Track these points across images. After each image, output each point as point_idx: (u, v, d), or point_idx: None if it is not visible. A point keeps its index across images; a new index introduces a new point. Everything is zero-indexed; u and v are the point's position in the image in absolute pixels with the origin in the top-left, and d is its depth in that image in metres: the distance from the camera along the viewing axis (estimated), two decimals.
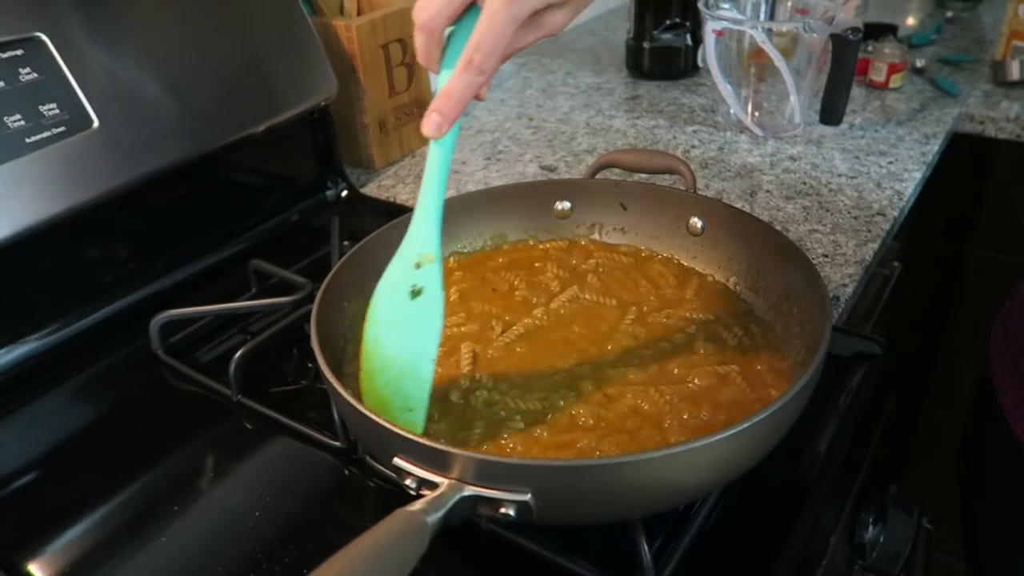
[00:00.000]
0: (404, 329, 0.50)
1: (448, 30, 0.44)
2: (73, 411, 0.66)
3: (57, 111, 0.66)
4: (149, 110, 0.73)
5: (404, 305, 0.49)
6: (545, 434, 0.51)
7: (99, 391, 0.68)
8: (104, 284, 0.74)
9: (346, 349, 0.61)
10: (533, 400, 0.54)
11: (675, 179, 0.84)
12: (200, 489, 0.57)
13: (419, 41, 0.43)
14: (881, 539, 0.58)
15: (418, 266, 0.49)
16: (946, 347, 1.38)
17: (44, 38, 0.67)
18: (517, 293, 0.66)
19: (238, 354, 0.64)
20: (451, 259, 0.71)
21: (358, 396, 0.55)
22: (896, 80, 1.20)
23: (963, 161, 1.18)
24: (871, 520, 0.58)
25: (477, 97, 0.45)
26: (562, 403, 0.53)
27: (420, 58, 0.44)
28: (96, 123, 0.68)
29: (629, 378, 0.56)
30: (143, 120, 0.72)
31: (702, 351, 0.58)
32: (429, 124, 0.44)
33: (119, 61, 0.71)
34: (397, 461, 0.44)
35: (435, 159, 0.46)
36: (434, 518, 0.39)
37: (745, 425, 0.42)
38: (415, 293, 0.49)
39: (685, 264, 0.69)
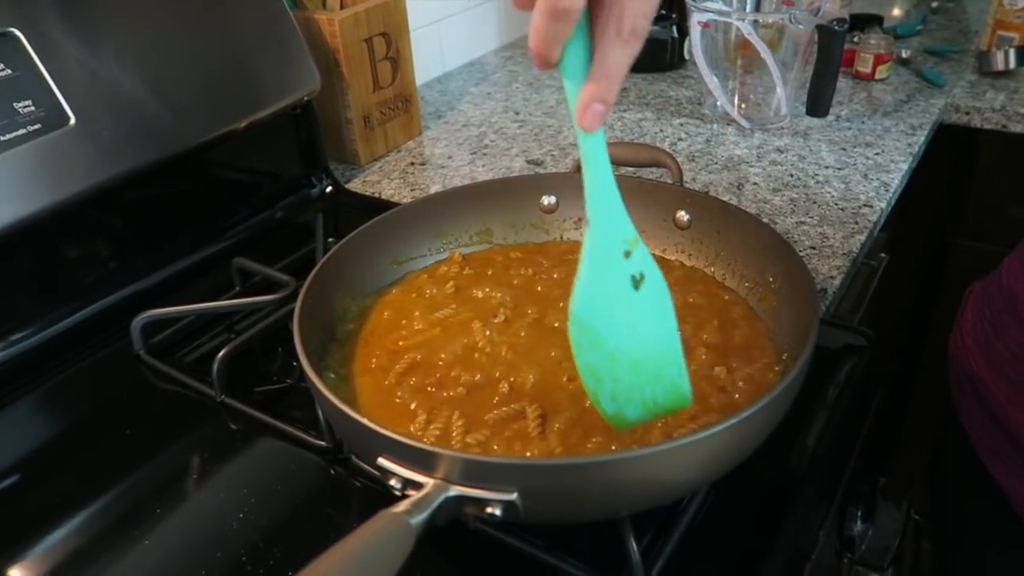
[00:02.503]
0: (640, 323, 0.45)
1: None
2: (54, 413, 0.66)
3: (32, 108, 0.65)
4: (128, 107, 0.71)
5: (631, 302, 0.44)
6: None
7: (80, 392, 0.67)
8: (85, 284, 0.73)
9: (330, 348, 0.60)
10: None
11: (662, 172, 0.84)
12: (183, 491, 0.57)
13: (550, 32, 0.36)
14: (870, 532, 0.58)
15: (628, 255, 0.44)
16: (932, 338, 1.38)
17: (18, 34, 0.65)
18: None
19: (221, 353, 0.63)
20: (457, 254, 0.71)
21: (341, 395, 0.55)
22: (882, 71, 1.20)
23: (949, 152, 1.18)
24: (859, 514, 0.58)
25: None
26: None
27: (540, 48, 0.37)
28: (73, 120, 0.67)
29: None
30: (121, 117, 0.71)
31: (688, 344, 0.58)
32: (592, 115, 0.38)
33: (96, 57, 0.70)
34: (381, 461, 0.43)
35: (593, 147, 0.42)
36: (419, 519, 0.39)
37: (733, 421, 0.42)
38: (638, 282, 0.44)
39: (670, 258, 0.69)
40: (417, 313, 0.63)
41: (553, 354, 0.57)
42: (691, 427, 0.50)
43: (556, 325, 0.61)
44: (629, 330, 0.45)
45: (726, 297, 0.64)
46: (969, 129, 1.16)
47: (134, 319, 0.68)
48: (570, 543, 0.50)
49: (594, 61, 0.38)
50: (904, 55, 1.26)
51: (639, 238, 0.44)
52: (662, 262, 0.68)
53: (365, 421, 0.43)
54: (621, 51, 0.37)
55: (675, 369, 0.46)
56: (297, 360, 0.50)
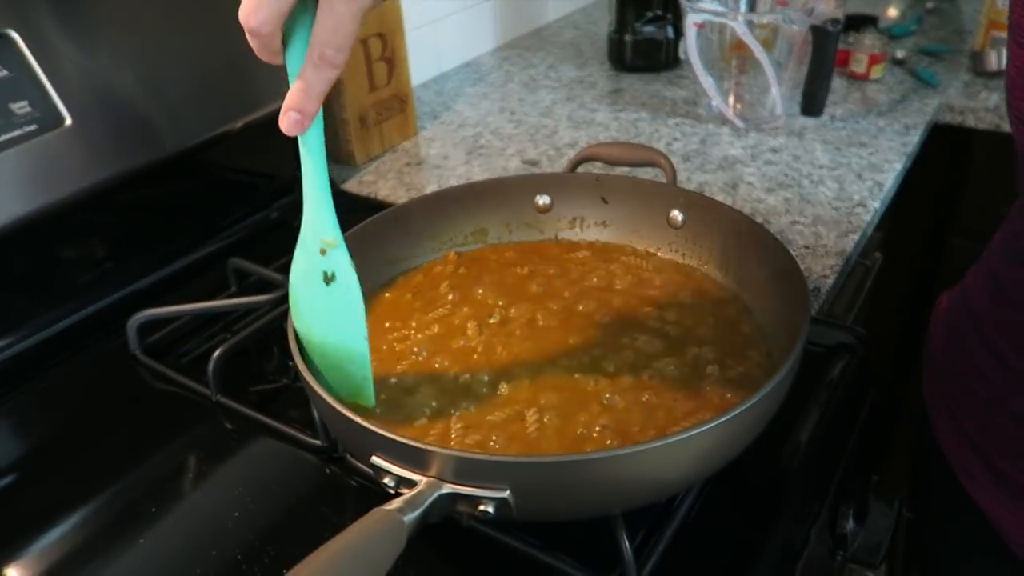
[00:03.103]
0: (329, 315, 0.50)
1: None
2: (49, 413, 0.66)
3: (28, 109, 0.65)
4: (124, 107, 0.72)
5: (321, 293, 0.50)
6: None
7: (76, 392, 0.67)
8: (80, 284, 0.73)
9: None
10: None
11: (656, 172, 0.85)
12: (179, 490, 0.57)
13: (253, 44, 0.41)
14: (862, 530, 0.58)
15: (323, 252, 0.49)
16: (925, 338, 1.39)
17: (14, 35, 0.65)
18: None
19: (216, 353, 0.63)
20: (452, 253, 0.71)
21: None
22: (876, 71, 1.20)
23: (943, 151, 1.19)
24: (851, 512, 0.59)
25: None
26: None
27: (260, 56, 0.42)
28: (69, 121, 0.67)
29: (601, 370, 0.56)
30: (117, 117, 0.71)
31: (681, 343, 0.58)
32: (289, 122, 0.42)
33: (92, 58, 0.70)
34: (375, 460, 0.43)
35: (307, 151, 0.46)
36: (411, 517, 0.39)
37: (724, 418, 0.42)
38: (328, 279, 0.50)
39: (664, 256, 0.69)
40: (412, 313, 0.63)
41: (549, 354, 0.58)
42: (684, 424, 0.50)
43: (552, 325, 0.61)
44: (317, 316, 0.51)
45: (719, 296, 0.64)
46: (963, 129, 1.17)
47: (130, 319, 0.68)
48: (563, 541, 0.50)
49: (296, 77, 0.42)
50: (898, 55, 1.27)
51: (339, 239, 0.49)
52: (656, 260, 0.68)
53: (358, 419, 0.43)
54: (313, 73, 0.41)
55: (358, 370, 0.51)
56: (292, 360, 0.50)
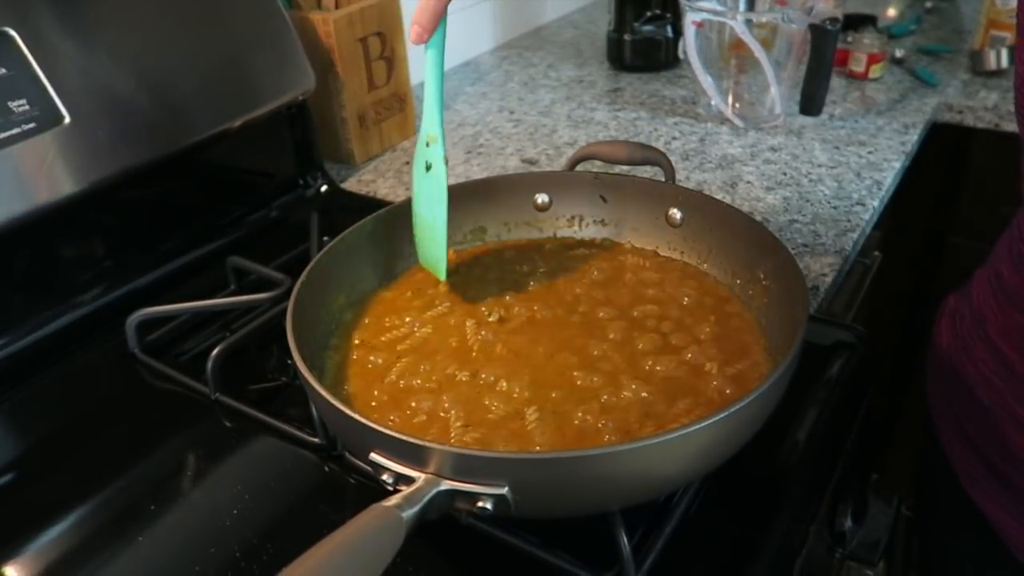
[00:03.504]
0: (425, 196, 0.61)
1: None
2: (49, 411, 0.66)
3: (27, 107, 0.65)
4: (122, 105, 0.72)
5: (422, 177, 0.61)
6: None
7: (75, 390, 0.67)
8: (80, 282, 0.73)
9: (324, 345, 0.60)
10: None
11: (655, 171, 0.85)
12: (178, 488, 0.57)
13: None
14: (861, 528, 0.58)
15: (428, 144, 0.60)
16: (925, 336, 1.39)
17: (12, 33, 0.66)
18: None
19: (215, 351, 0.63)
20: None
21: (335, 393, 0.55)
22: (876, 70, 1.20)
23: (942, 150, 1.19)
24: (851, 509, 0.59)
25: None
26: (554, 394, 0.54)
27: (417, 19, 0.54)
28: (67, 119, 0.67)
29: (600, 368, 0.56)
30: (116, 115, 0.71)
31: (679, 341, 0.58)
32: (413, 32, 0.54)
33: (91, 56, 0.70)
34: (373, 456, 0.43)
35: (429, 61, 0.56)
36: (409, 513, 0.39)
37: (722, 415, 0.42)
38: (428, 167, 0.60)
39: (663, 254, 0.69)
40: (411, 311, 0.64)
41: (548, 351, 0.58)
42: (682, 421, 0.50)
43: (550, 323, 0.61)
44: (419, 195, 0.62)
45: (718, 294, 0.64)
46: (962, 128, 1.17)
47: (129, 317, 0.69)
48: (562, 538, 0.50)
49: None
50: (898, 54, 1.27)
51: (439, 138, 0.59)
52: (655, 259, 0.68)
53: (357, 416, 0.44)
54: None
55: (436, 246, 0.62)
56: (291, 358, 0.50)
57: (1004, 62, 1.18)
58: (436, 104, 0.58)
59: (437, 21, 0.53)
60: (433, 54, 0.56)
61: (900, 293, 1.35)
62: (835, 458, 0.60)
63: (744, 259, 0.63)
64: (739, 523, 0.53)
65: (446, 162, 0.59)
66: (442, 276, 0.64)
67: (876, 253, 1.05)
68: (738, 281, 0.64)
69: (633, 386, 0.54)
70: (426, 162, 0.60)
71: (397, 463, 0.43)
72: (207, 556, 0.51)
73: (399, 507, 0.39)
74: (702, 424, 0.42)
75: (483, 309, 0.63)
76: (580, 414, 0.52)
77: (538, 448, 0.49)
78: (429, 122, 0.59)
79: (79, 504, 0.56)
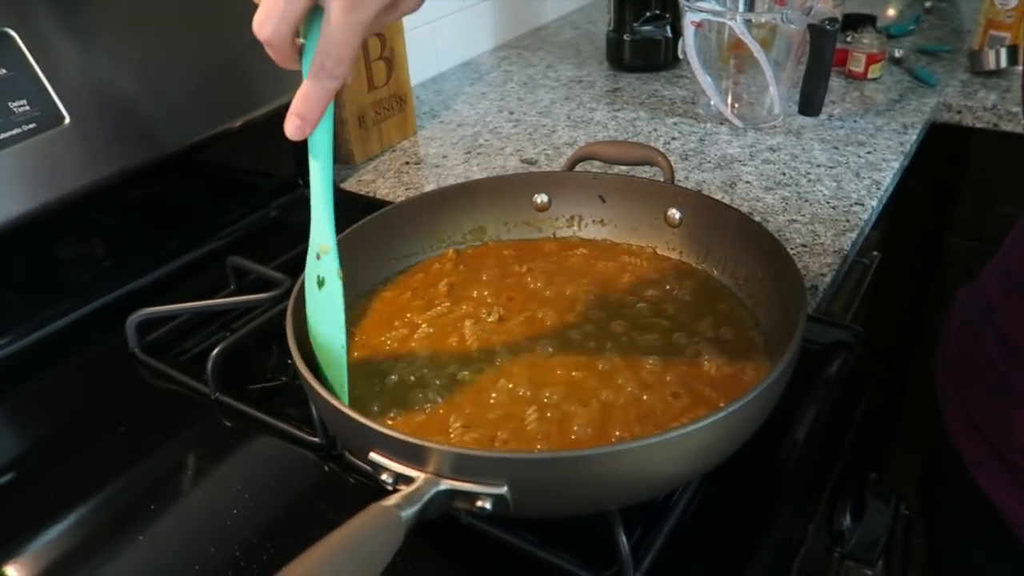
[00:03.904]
0: (321, 316, 0.53)
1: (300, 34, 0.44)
2: (48, 411, 0.66)
3: (27, 107, 0.65)
4: (122, 106, 0.72)
5: (316, 294, 0.53)
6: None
7: (75, 390, 0.67)
8: (80, 282, 0.73)
9: None
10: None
11: (654, 171, 0.85)
12: (178, 488, 0.57)
13: (271, 54, 0.43)
14: (860, 527, 0.58)
15: (318, 257, 0.51)
16: (924, 336, 1.39)
17: (12, 33, 0.66)
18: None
19: (215, 351, 0.63)
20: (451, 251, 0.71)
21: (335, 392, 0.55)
22: (875, 70, 1.20)
23: (941, 150, 1.19)
24: (849, 508, 0.59)
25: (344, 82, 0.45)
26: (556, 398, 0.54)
27: (278, 63, 0.44)
28: (68, 119, 0.67)
29: (599, 368, 0.56)
30: (116, 116, 0.71)
31: (678, 341, 0.58)
32: (291, 126, 0.44)
33: (91, 56, 0.70)
34: (373, 456, 0.44)
35: (312, 156, 0.48)
36: (408, 513, 0.39)
37: (721, 415, 0.42)
38: (320, 283, 0.52)
39: (662, 254, 0.69)
40: (411, 311, 0.64)
41: (549, 351, 0.58)
42: (681, 420, 0.50)
43: (550, 323, 0.61)
44: (314, 315, 0.53)
45: (717, 294, 0.64)
46: (961, 128, 1.17)
47: (129, 317, 0.69)
48: (560, 537, 0.50)
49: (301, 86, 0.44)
50: (897, 54, 1.27)
51: (332, 247, 0.50)
52: (654, 259, 0.69)
53: (356, 416, 0.44)
54: (312, 82, 0.42)
55: (337, 370, 0.52)
56: (291, 358, 0.50)
57: (1003, 62, 1.18)
58: (326, 210, 0.49)
59: (321, 112, 0.44)
60: (319, 146, 0.47)
61: (899, 293, 1.35)
62: (834, 457, 0.61)
63: (743, 259, 0.63)
64: (738, 522, 0.53)
65: (341, 277, 0.51)
66: (345, 402, 0.52)
67: (875, 253, 1.05)
68: (737, 280, 0.64)
69: (632, 386, 0.54)
70: (318, 277, 0.52)
71: (396, 463, 0.43)
72: (207, 555, 0.51)
73: (398, 507, 0.39)
74: (701, 424, 0.42)
75: (482, 309, 0.63)
76: (580, 414, 0.52)
77: (538, 448, 0.49)
78: (319, 231, 0.50)
79: (79, 504, 0.56)
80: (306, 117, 0.43)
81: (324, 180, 0.48)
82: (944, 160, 1.22)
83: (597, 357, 0.57)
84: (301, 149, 0.99)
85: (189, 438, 0.62)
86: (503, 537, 0.51)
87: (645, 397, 0.53)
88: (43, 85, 0.67)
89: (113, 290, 0.75)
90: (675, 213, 0.68)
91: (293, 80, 0.92)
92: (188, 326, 0.72)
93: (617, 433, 0.50)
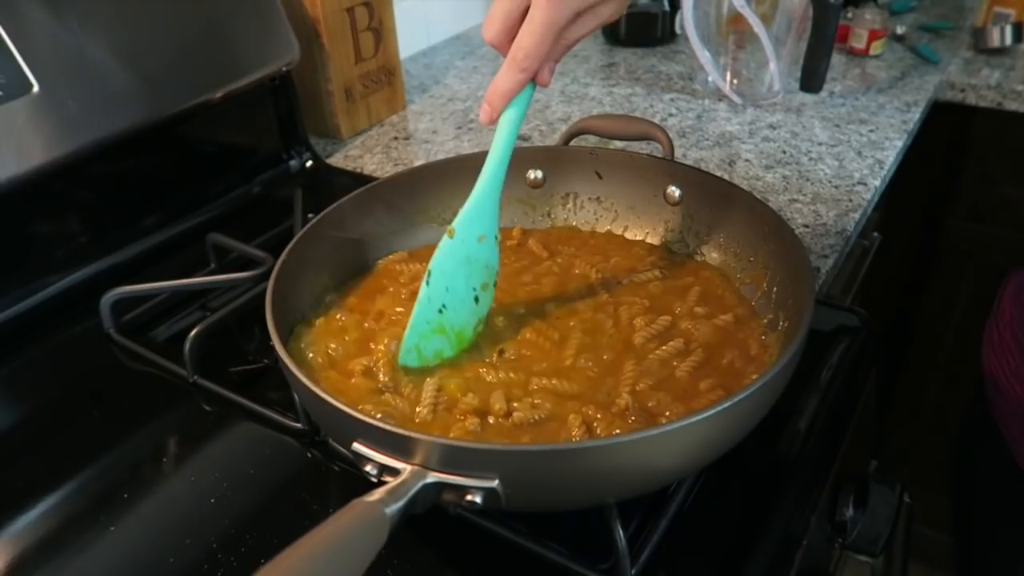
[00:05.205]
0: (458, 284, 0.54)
1: None
2: (19, 394, 0.63)
3: None
4: (96, 74, 0.68)
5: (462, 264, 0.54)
6: None
7: (47, 373, 0.65)
8: (52, 259, 0.70)
9: (314, 325, 0.58)
10: None
11: (652, 147, 0.82)
12: (153, 475, 0.54)
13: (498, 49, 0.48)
14: (863, 517, 0.57)
15: (481, 238, 0.54)
16: (923, 318, 1.37)
17: None
18: None
19: (193, 332, 0.61)
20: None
21: (321, 378, 0.52)
22: (876, 47, 1.17)
23: (943, 130, 1.16)
24: (851, 499, 0.57)
25: (540, 83, 0.49)
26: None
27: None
28: (36, 88, 0.64)
29: (596, 357, 0.53)
30: (90, 85, 0.68)
31: (681, 325, 0.56)
32: (482, 113, 0.49)
33: (61, 21, 0.66)
34: (356, 447, 0.41)
35: (494, 144, 0.51)
36: (394, 508, 0.36)
37: (724, 405, 0.40)
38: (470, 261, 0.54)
39: (659, 233, 0.66)
40: (401, 289, 0.61)
41: (548, 331, 0.55)
42: (679, 413, 0.48)
43: (548, 305, 0.59)
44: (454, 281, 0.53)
45: (717, 276, 0.62)
46: (963, 107, 1.14)
47: (103, 296, 0.66)
48: (554, 529, 0.48)
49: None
50: (899, 31, 1.24)
51: (492, 235, 0.54)
52: (650, 244, 0.66)
53: (338, 404, 0.41)
54: (504, 71, 0.47)
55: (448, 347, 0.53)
56: (272, 342, 0.48)
57: (1008, 39, 1.16)
58: (495, 197, 0.53)
59: (506, 101, 0.48)
60: (501, 134, 0.50)
61: (897, 276, 1.33)
62: (837, 445, 0.58)
63: (745, 240, 0.61)
64: (738, 514, 0.51)
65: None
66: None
67: (875, 234, 1.02)
68: (739, 262, 0.62)
69: (629, 374, 0.51)
70: (468, 256, 0.53)
71: (381, 454, 0.40)
72: (182, 547, 0.49)
73: (382, 503, 0.36)
74: (703, 415, 0.40)
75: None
76: (576, 406, 0.49)
77: (531, 439, 0.47)
78: (485, 220, 0.53)
79: (48, 493, 0.53)
80: (492, 103, 0.48)
81: (498, 164, 0.51)
82: (946, 140, 1.19)
83: (590, 345, 0.55)
84: (285, 122, 0.95)
85: (166, 423, 0.59)
86: (493, 529, 0.49)
87: (641, 387, 0.51)
88: (9, 51, 0.63)
89: (87, 267, 0.72)
90: (675, 191, 0.65)
91: (276, 51, 0.89)
92: (166, 306, 0.70)
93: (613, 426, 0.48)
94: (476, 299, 0.54)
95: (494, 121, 0.49)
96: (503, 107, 0.48)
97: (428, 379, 0.51)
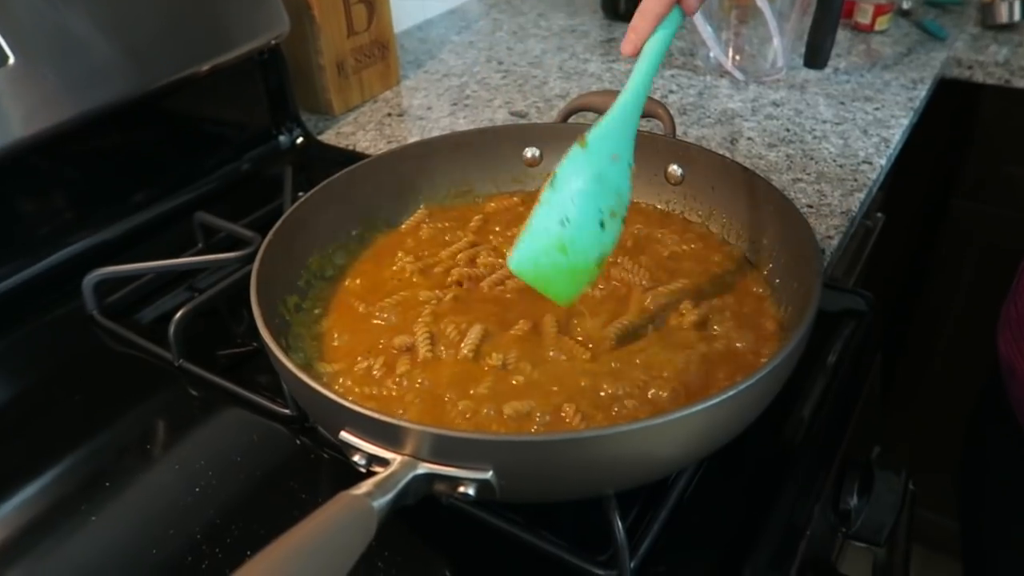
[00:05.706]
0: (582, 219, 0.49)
1: None
2: None
3: None
4: (77, 45, 0.66)
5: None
6: None
7: (27, 356, 0.63)
8: (35, 237, 0.68)
9: (303, 307, 0.56)
10: None
11: (653, 125, 0.80)
12: (136, 463, 0.53)
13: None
14: (867, 506, 0.55)
15: (615, 157, 0.50)
16: (926, 300, 1.36)
17: None
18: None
19: (178, 314, 0.59)
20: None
21: (314, 361, 0.51)
22: (882, 22, 1.15)
23: (948, 108, 1.14)
24: (856, 487, 0.55)
25: (687, 9, 0.47)
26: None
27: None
28: (12, 59, 0.61)
29: (606, 334, 0.52)
30: (70, 57, 0.65)
31: (679, 309, 0.54)
32: (625, 42, 0.48)
33: None
34: (344, 436, 0.39)
35: (638, 67, 0.49)
36: (382, 501, 0.35)
37: (729, 393, 0.38)
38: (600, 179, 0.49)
39: (663, 208, 0.64)
40: (394, 269, 0.59)
41: (542, 319, 0.53)
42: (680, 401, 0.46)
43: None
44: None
45: (719, 257, 0.60)
46: (970, 84, 1.12)
47: (86, 277, 0.64)
48: (551, 519, 0.46)
49: None
50: (904, 6, 1.21)
51: (626, 160, 0.50)
52: (652, 216, 0.64)
53: (326, 391, 0.39)
54: None
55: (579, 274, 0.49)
56: (257, 328, 0.46)
57: (1016, 15, 1.13)
58: (634, 116, 0.49)
59: (652, 26, 0.46)
60: (644, 61, 0.48)
61: (900, 256, 1.31)
62: (841, 432, 0.57)
63: (749, 220, 0.59)
64: (741, 504, 0.49)
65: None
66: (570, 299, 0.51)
67: (879, 215, 1.01)
68: (741, 243, 0.60)
69: (629, 363, 0.50)
70: (599, 174, 0.48)
71: (370, 443, 0.39)
72: (166, 538, 0.47)
73: (370, 495, 0.34)
74: (705, 404, 0.38)
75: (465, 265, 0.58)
76: (572, 399, 0.47)
77: (534, 429, 0.45)
78: (617, 136, 0.49)
79: (27, 480, 0.51)
80: (637, 28, 0.47)
81: (643, 87, 0.48)
82: (952, 118, 1.17)
83: (594, 324, 0.53)
84: (274, 97, 0.92)
85: (150, 408, 0.57)
86: (487, 519, 0.47)
87: (638, 375, 0.49)
88: None
89: (69, 247, 0.70)
90: (676, 170, 0.63)
91: (265, 23, 0.86)
92: (151, 287, 0.68)
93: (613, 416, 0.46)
94: (602, 224, 0.49)
95: (638, 50, 0.47)
96: (650, 31, 0.47)
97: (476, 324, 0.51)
